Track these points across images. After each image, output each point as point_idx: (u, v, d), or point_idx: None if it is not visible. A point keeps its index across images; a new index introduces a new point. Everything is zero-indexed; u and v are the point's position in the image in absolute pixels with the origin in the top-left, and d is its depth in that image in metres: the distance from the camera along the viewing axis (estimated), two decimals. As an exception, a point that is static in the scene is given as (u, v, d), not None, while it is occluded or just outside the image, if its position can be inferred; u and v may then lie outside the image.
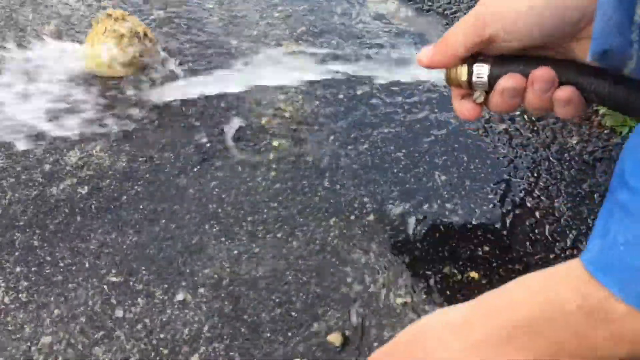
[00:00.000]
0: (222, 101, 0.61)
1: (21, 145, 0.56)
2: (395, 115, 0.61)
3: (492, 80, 0.42)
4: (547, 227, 0.53)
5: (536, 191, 0.56)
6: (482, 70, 0.43)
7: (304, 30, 0.69)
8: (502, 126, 0.60)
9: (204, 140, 0.58)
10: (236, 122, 0.59)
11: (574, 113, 0.42)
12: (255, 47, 0.67)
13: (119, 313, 0.47)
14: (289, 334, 0.46)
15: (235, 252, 0.51)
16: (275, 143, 0.58)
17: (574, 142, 0.59)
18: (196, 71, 0.64)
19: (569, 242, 0.52)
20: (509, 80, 0.42)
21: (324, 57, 0.65)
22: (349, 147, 0.58)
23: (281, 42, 0.67)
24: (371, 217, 0.53)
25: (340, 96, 0.62)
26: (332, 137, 0.59)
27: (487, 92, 0.44)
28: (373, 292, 0.49)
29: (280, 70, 0.63)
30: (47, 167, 0.55)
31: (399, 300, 0.49)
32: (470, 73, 0.43)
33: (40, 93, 0.60)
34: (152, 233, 0.51)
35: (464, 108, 0.45)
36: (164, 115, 0.59)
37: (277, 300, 0.48)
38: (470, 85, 0.43)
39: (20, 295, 0.48)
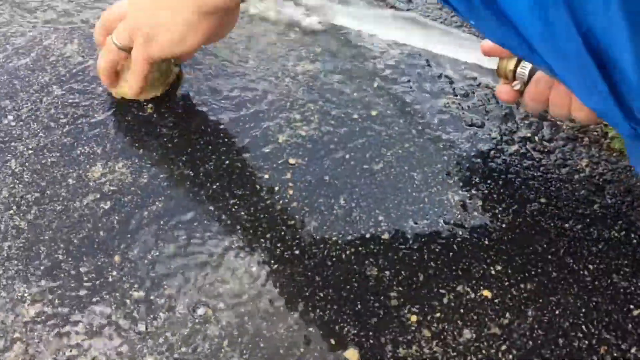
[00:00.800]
0: (239, 121, 0.63)
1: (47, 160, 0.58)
2: (408, 135, 0.62)
3: (531, 75, 0.54)
4: (558, 247, 0.55)
5: (547, 212, 0.57)
6: (526, 65, 0.55)
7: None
8: (514, 147, 0.62)
9: (223, 157, 0.59)
10: (253, 140, 0.61)
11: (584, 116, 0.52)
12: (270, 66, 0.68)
13: (142, 327, 0.48)
14: (306, 349, 0.48)
15: (254, 268, 0.52)
16: (292, 161, 0.59)
17: (584, 164, 0.61)
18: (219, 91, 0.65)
19: (580, 263, 0.54)
20: (543, 75, 0.53)
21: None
22: (365, 166, 0.59)
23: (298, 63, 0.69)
24: (386, 236, 0.55)
25: (355, 116, 0.64)
26: (347, 156, 0.60)
27: (525, 85, 0.55)
28: (388, 309, 0.50)
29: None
30: (70, 181, 0.56)
31: (414, 318, 0.50)
32: (517, 65, 0.55)
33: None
34: (173, 248, 0.53)
35: (504, 90, 0.57)
36: (184, 133, 0.61)
37: (295, 315, 0.50)
38: (514, 76, 0.55)
39: (45, 308, 0.49)
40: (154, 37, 0.54)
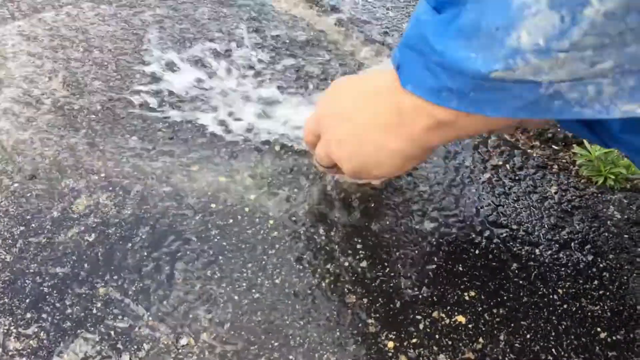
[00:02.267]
0: (216, 154, 0.64)
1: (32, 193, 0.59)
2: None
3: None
4: (529, 272, 0.57)
5: (518, 238, 0.59)
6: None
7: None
8: (486, 175, 0.64)
9: (205, 189, 0.61)
10: (234, 171, 0.62)
11: None
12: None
13: (126, 358, 0.49)
14: (288, 377, 0.49)
15: (236, 297, 0.54)
16: (273, 191, 0.61)
17: (553, 191, 0.63)
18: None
19: (550, 287, 0.56)
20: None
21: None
22: (343, 196, 0.61)
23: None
24: (364, 264, 0.56)
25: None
26: (328, 187, 0.62)
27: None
28: (366, 335, 0.52)
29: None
30: (55, 214, 0.58)
31: (391, 344, 0.52)
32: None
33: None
34: (156, 279, 0.54)
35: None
36: (167, 165, 0.62)
37: (276, 344, 0.51)
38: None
39: (30, 341, 0.50)
40: (362, 170, 0.51)
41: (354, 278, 0.55)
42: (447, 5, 0.40)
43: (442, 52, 0.38)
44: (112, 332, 0.51)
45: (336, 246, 0.57)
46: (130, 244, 0.56)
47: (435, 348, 0.52)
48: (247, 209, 0.59)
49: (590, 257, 0.58)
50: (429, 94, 0.41)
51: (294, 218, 0.59)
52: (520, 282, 0.56)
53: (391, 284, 0.55)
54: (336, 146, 0.51)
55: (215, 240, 0.57)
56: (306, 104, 0.69)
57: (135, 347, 0.50)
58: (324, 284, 0.55)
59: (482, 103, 0.38)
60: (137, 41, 0.75)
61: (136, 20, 0.78)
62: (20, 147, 0.62)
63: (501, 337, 0.53)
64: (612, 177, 0.63)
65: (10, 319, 0.51)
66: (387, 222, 0.59)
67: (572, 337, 0.53)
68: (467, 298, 0.55)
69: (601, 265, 0.58)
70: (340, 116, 0.50)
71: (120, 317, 0.52)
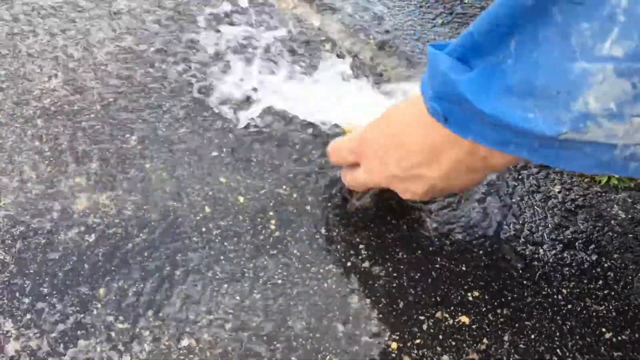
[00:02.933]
0: (222, 153, 0.64)
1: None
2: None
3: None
4: (533, 272, 0.56)
5: (522, 238, 0.59)
6: None
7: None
8: (491, 176, 0.64)
9: (207, 188, 0.60)
10: (236, 172, 0.62)
11: None
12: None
13: (127, 359, 0.49)
14: (290, 378, 0.49)
15: (238, 298, 0.53)
16: (275, 191, 0.61)
17: (557, 190, 0.63)
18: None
19: (554, 287, 0.55)
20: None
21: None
22: (345, 196, 0.61)
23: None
24: (366, 264, 0.56)
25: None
26: (335, 189, 0.61)
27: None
28: (370, 335, 0.51)
29: None
30: (55, 215, 0.57)
31: (394, 345, 0.51)
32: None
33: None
34: (157, 280, 0.54)
35: None
36: (167, 165, 0.62)
37: (278, 345, 0.51)
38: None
39: (30, 342, 0.49)
40: (414, 194, 0.53)
41: (356, 278, 0.55)
42: (474, 56, 0.38)
43: (494, 114, 0.37)
44: (113, 333, 0.50)
45: (338, 246, 0.57)
46: (130, 244, 0.56)
47: (439, 349, 0.51)
48: (248, 209, 0.59)
49: (594, 257, 0.58)
50: (496, 145, 0.40)
51: (295, 218, 0.59)
52: (524, 282, 0.56)
53: (394, 285, 0.55)
54: (385, 181, 0.53)
55: (217, 240, 0.57)
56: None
57: (137, 348, 0.50)
58: (326, 285, 0.54)
59: (554, 158, 0.37)
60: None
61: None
62: (20, 146, 0.62)
63: (505, 338, 0.52)
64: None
65: (10, 320, 0.51)
66: (390, 222, 0.59)
67: (577, 337, 0.52)
68: (470, 298, 0.54)
69: (606, 265, 0.57)
70: (388, 151, 0.50)
71: (121, 318, 0.51)
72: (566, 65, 0.32)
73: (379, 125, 0.52)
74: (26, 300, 0.52)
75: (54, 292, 0.52)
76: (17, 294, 0.52)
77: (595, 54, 0.31)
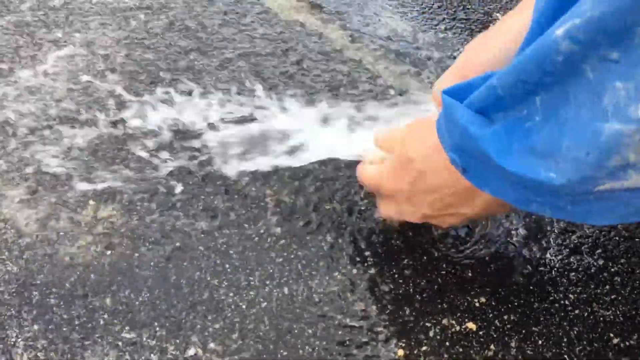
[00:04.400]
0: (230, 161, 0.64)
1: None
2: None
3: None
4: (540, 277, 0.56)
5: (528, 243, 0.59)
6: None
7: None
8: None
9: (212, 197, 0.60)
10: (240, 179, 0.62)
11: None
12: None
13: (134, 369, 0.49)
14: (297, 387, 0.49)
15: (244, 306, 0.53)
16: (280, 199, 0.61)
17: (563, 195, 0.63)
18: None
19: (561, 292, 0.55)
20: None
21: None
22: (351, 202, 0.61)
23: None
24: (372, 271, 0.56)
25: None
26: (337, 195, 0.62)
27: None
28: (377, 343, 0.51)
29: None
30: (62, 225, 0.58)
31: (401, 352, 0.51)
32: None
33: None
34: (163, 290, 0.54)
35: None
36: (174, 175, 0.62)
37: (285, 353, 0.51)
38: None
39: (38, 353, 0.50)
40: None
41: (362, 286, 0.55)
42: (495, 109, 0.37)
43: (516, 172, 0.35)
44: (120, 343, 0.51)
45: (344, 253, 0.57)
46: (137, 254, 0.56)
47: (445, 356, 0.51)
48: (253, 217, 0.59)
49: (601, 262, 0.58)
50: (516, 203, 0.39)
51: (300, 225, 0.59)
52: (531, 287, 0.56)
53: (400, 292, 0.55)
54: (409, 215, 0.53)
55: (222, 249, 0.57)
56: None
57: (143, 357, 0.50)
58: (332, 292, 0.54)
59: (583, 213, 0.36)
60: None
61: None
62: (26, 157, 0.62)
63: (512, 344, 0.52)
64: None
65: (18, 330, 0.51)
66: (396, 230, 0.59)
67: (585, 342, 0.52)
68: (477, 304, 0.54)
69: (612, 270, 0.57)
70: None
71: (127, 327, 0.51)
72: (597, 126, 0.31)
73: (401, 170, 0.51)
74: (34, 311, 0.52)
75: (61, 303, 0.53)
76: (25, 305, 0.52)
77: (630, 115, 0.29)
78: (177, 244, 0.57)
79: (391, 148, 0.53)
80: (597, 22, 0.29)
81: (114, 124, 0.66)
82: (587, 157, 0.31)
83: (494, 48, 0.48)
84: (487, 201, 0.46)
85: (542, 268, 0.57)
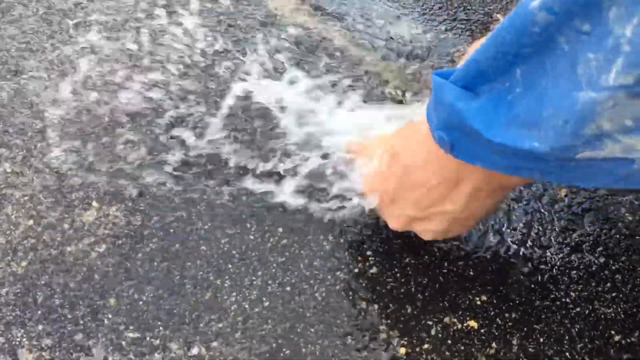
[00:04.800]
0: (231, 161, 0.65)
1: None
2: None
3: None
4: (541, 275, 0.56)
5: (529, 241, 0.59)
6: None
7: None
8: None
9: (214, 197, 0.61)
10: (244, 180, 0.62)
11: None
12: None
13: (138, 368, 0.50)
14: (300, 385, 0.49)
15: (247, 305, 0.54)
16: (282, 200, 0.61)
17: (563, 194, 0.63)
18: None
19: (562, 290, 0.55)
20: None
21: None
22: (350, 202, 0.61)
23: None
24: (374, 270, 0.56)
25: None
26: (338, 195, 0.62)
27: None
28: (378, 341, 0.52)
29: None
30: (65, 226, 0.58)
31: (403, 350, 0.51)
32: None
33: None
34: (167, 289, 0.54)
35: None
36: (176, 175, 0.63)
37: (288, 352, 0.51)
38: None
39: (43, 353, 0.50)
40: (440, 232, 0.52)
41: (364, 285, 0.55)
42: (479, 83, 0.38)
43: (503, 143, 0.36)
44: (124, 343, 0.51)
45: (346, 253, 0.57)
46: (140, 254, 0.56)
47: (447, 353, 0.51)
48: (256, 217, 0.60)
49: (602, 260, 0.58)
50: (507, 171, 0.40)
51: (302, 225, 0.59)
52: (532, 285, 0.56)
53: (402, 290, 0.55)
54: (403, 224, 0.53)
55: (225, 248, 0.57)
56: None
57: (147, 356, 0.50)
58: (334, 291, 0.55)
59: (570, 177, 0.37)
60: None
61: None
62: (30, 160, 0.63)
63: (514, 342, 0.52)
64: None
65: (22, 331, 0.51)
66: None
67: (586, 340, 0.52)
68: (478, 303, 0.55)
69: (613, 268, 0.57)
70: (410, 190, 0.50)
71: (131, 327, 0.52)
72: (573, 95, 0.31)
73: (387, 168, 0.51)
74: (38, 312, 0.52)
75: (66, 303, 0.53)
76: (30, 305, 0.53)
77: (602, 84, 0.30)
78: (180, 244, 0.57)
79: (370, 153, 0.53)
80: None
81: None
82: (566, 126, 0.32)
83: None
84: (471, 188, 0.46)
85: (543, 266, 0.57)
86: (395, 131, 0.53)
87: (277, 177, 0.61)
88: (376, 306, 0.54)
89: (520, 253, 0.58)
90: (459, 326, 0.53)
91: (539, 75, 0.34)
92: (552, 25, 0.32)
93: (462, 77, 0.39)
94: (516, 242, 0.59)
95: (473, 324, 0.53)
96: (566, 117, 0.32)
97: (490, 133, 0.37)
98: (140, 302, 0.53)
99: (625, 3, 0.28)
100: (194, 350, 0.51)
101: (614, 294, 0.55)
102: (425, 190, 0.48)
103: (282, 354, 0.51)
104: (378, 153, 0.53)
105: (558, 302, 0.55)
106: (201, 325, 0.52)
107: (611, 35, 0.29)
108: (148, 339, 0.51)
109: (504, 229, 0.60)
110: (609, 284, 0.56)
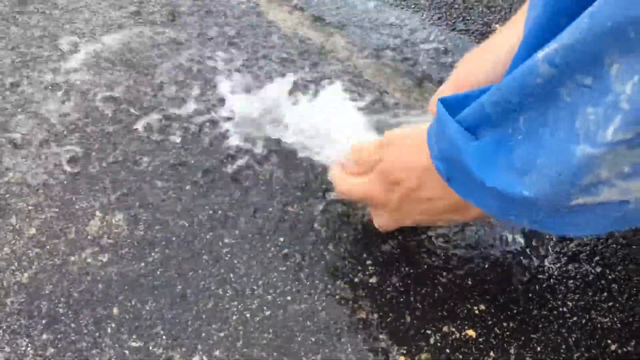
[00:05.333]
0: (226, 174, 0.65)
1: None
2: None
3: None
4: (539, 285, 0.57)
5: (527, 251, 0.60)
6: None
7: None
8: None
9: (216, 207, 0.62)
10: (245, 190, 0.63)
11: None
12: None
13: (140, 377, 0.50)
14: (300, 394, 0.50)
15: (248, 315, 0.54)
16: (287, 209, 0.62)
17: (561, 203, 0.64)
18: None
19: (559, 300, 0.56)
20: None
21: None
22: (352, 213, 0.62)
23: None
24: (374, 279, 0.57)
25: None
26: (340, 208, 0.63)
27: None
28: (377, 350, 0.52)
29: None
30: (69, 236, 0.59)
31: (402, 359, 0.52)
32: None
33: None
34: (169, 298, 0.55)
35: None
36: (178, 185, 0.63)
37: (288, 361, 0.52)
38: None
39: (47, 361, 0.51)
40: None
41: (364, 294, 0.56)
42: (482, 126, 0.38)
43: (494, 187, 0.37)
44: (127, 352, 0.52)
45: (346, 262, 0.58)
46: (143, 264, 0.57)
47: (446, 362, 0.52)
48: (257, 227, 0.60)
49: (598, 269, 0.58)
50: (497, 213, 0.40)
51: (303, 235, 0.60)
52: (530, 295, 0.56)
53: (401, 299, 0.56)
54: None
55: (227, 258, 0.58)
56: None
57: (150, 366, 0.51)
58: (334, 300, 0.56)
59: (560, 226, 0.37)
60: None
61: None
62: (33, 170, 0.64)
63: (512, 351, 0.53)
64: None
65: (27, 339, 0.52)
66: (396, 238, 0.60)
67: (583, 349, 0.53)
68: (477, 312, 0.55)
69: (610, 277, 0.58)
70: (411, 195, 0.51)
71: (134, 336, 0.53)
72: (570, 148, 0.32)
73: (390, 185, 0.52)
74: (43, 321, 0.53)
75: (69, 312, 0.54)
76: (34, 315, 0.54)
77: (599, 140, 0.30)
78: (182, 254, 0.58)
79: (369, 164, 0.54)
80: (571, 48, 0.30)
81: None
82: (559, 177, 0.33)
83: (487, 64, 0.49)
84: (479, 211, 0.47)
85: (540, 276, 0.58)
86: (387, 144, 0.54)
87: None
88: (376, 315, 0.55)
89: (518, 263, 0.59)
90: (458, 335, 0.54)
91: (540, 124, 0.34)
92: (554, 78, 0.32)
93: (468, 118, 0.39)
94: (514, 251, 0.59)
95: (471, 333, 0.54)
96: (560, 169, 0.32)
97: (484, 175, 0.37)
98: (143, 312, 0.54)
99: (628, 61, 0.28)
100: (196, 359, 0.52)
101: (610, 304, 0.56)
102: (432, 205, 0.49)
103: (282, 363, 0.52)
104: (370, 169, 0.54)
105: (555, 312, 0.55)
106: (203, 334, 0.53)
107: (611, 91, 0.29)
108: (151, 348, 0.52)
109: (502, 239, 0.60)
110: (605, 294, 0.57)
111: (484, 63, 0.50)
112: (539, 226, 0.38)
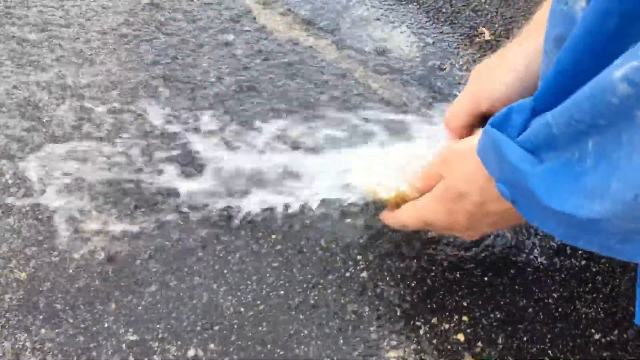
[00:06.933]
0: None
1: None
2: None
3: None
4: (525, 277, 0.59)
5: (514, 246, 0.61)
6: None
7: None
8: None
9: (210, 203, 0.63)
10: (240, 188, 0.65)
11: None
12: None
13: (137, 369, 0.51)
14: (294, 384, 0.51)
15: (242, 309, 0.56)
16: (277, 208, 0.63)
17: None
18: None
19: (545, 292, 0.58)
20: None
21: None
22: (342, 209, 0.64)
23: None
24: (365, 274, 0.59)
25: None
26: (335, 206, 0.64)
27: None
28: (369, 342, 0.54)
29: None
30: (66, 234, 0.60)
31: (392, 353, 0.54)
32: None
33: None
34: (165, 294, 0.56)
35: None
36: (173, 184, 0.65)
37: (281, 352, 0.53)
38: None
39: (46, 356, 0.52)
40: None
41: (355, 288, 0.58)
42: (547, 148, 0.36)
43: (564, 211, 0.35)
44: (124, 346, 0.53)
45: (338, 258, 0.60)
46: (138, 261, 0.58)
47: (435, 353, 0.54)
48: (249, 224, 0.62)
49: (583, 262, 0.60)
50: (563, 238, 0.39)
51: (295, 232, 0.61)
52: (516, 287, 0.58)
53: (391, 293, 0.57)
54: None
55: (221, 254, 0.59)
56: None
57: (146, 359, 0.52)
58: (326, 295, 0.57)
59: (632, 252, 0.36)
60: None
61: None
62: (30, 171, 0.65)
63: (499, 341, 0.54)
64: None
65: (26, 335, 0.53)
66: (386, 234, 0.61)
67: (568, 338, 0.55)
68: (465, 304, 0.57)
69: (594, 270, 0.60)
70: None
71: (131, 330, 0.54)
72: None
73: (453, 204, 0.49)
74: (41, 317, 0.54)
75: (67, 308, 0.55)
76: (33, 310, 0.55)
77: None
78: (177, 251, 0.59)
79: (428, 185, 0.52)
80: None
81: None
82: (636, 200, 0.31)
83: (505, 77, 0.50)
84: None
85: (527, 269, 0.59)
86: (443, 161, 0.50)
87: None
88: (367, 308, 0.56)
89: (506, 256, 0.60)
90: (447, 327, 0.55)
91: (613, 147, 0.32)
92: (631, 98, 0.30)
93: (531, 139, 0.38)
94: (501, 246, 0.61)
95: (460, 324, 0.55)
96: (638, 191, 0.31)
97: (551, 200, 0.36)
98: (140, 307, 0.55)
99: None
100: (191, 353, 0.53)
101: (594, 295, 0.58)
102: (501, 217, 0.47)
103: (275, 355, 0.53)
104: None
105: (541, 303, 0.57)
106: (198, 328, 0.54)
107: None
108: (147, 342, 0.53)
109: (490, 234, 0.62)
110: (589, 285, 0.58)
111: (501, 77, 0.50)
112: (610, 252, 0.37)
